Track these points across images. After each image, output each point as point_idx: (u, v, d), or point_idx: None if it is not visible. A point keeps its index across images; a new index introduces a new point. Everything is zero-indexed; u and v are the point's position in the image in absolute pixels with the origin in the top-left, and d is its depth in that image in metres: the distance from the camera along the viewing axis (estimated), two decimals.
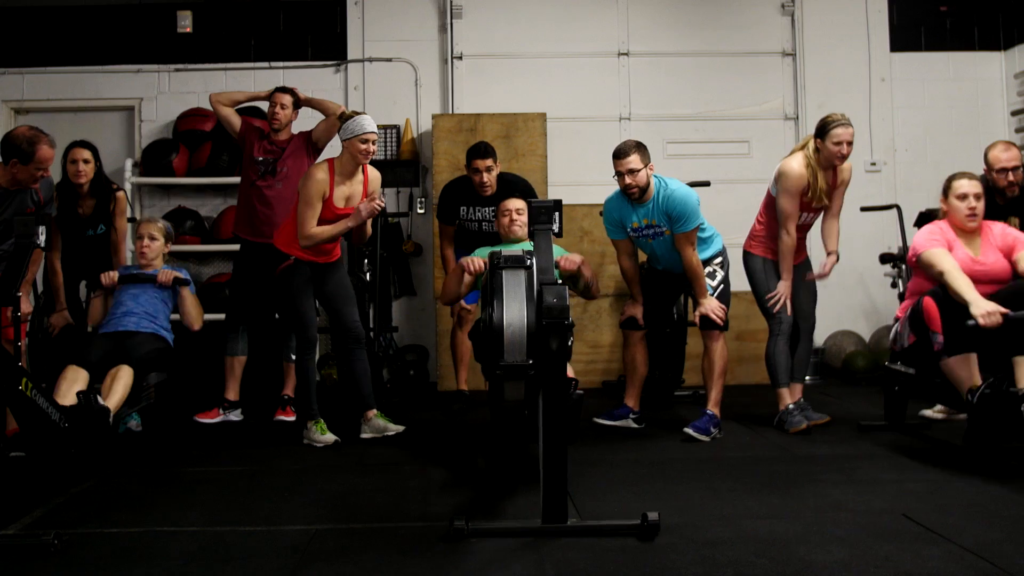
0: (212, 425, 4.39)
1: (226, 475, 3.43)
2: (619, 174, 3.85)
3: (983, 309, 3.24)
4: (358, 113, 3.84)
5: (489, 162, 4.48)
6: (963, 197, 3.64)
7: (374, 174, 4.02)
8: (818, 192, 3.99)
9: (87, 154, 4.30)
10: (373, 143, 3.81)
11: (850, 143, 3.92)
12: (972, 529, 2.57)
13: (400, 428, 4.02)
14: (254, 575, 2.35)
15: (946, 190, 3.73)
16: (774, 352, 4.11)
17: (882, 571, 2.27)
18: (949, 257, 3.51)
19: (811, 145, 3.99)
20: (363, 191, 3.95)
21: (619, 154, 3.84)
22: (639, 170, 3.81)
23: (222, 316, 4.70)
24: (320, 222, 3.83)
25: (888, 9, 6.16)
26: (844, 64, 6.12)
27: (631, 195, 3.87)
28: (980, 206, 3.63)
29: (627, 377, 4.18)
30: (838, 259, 4.20)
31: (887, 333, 5.75)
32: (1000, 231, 3.69)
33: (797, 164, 3.97)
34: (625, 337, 4.14)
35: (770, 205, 4.13)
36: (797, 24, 6.13)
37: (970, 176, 3.69)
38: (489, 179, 4.50)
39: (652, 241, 3.99)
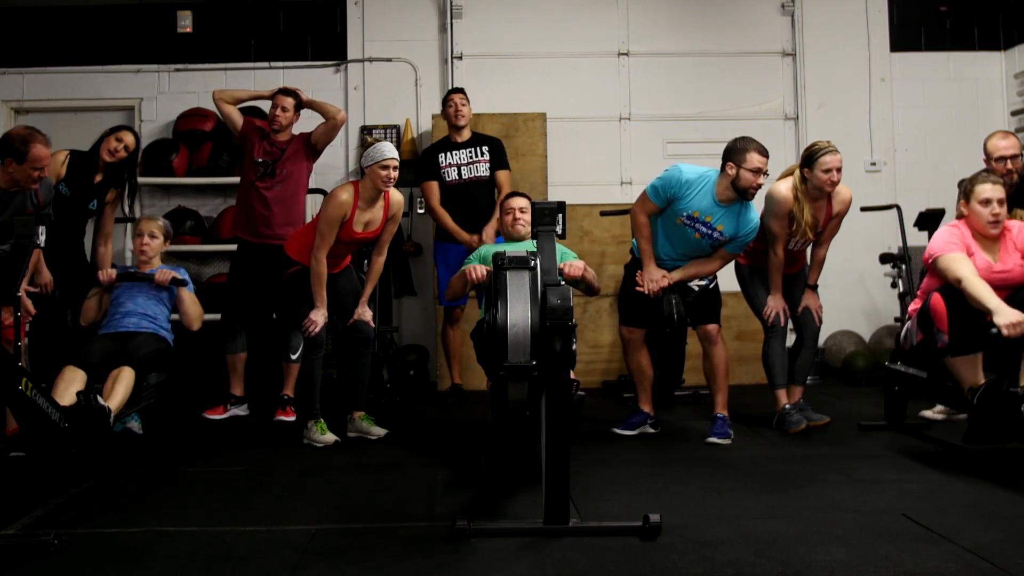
0: (214, 423, 4.41)
1: (226, 475, 3.43)
2: (755, 171, 3.70)
3: (1008, 319, 3.07)
4: (378, 140, 3.87)
5: (462, 96, 5.07)
6: (986, 203, 3.43)
7: (396, 198, 4.02)
8: (802, 226, 3.94)
9: (131, 140, 4.33)
10: (394, 168, 3.83)
11: (839, 169, 3.86)
12: (972, 529, 2.57)
13: (383, 432, 4.02)
14: (254, 575, 2.35)
15: (968, 193, 3.50)
16: (769, 353, 4.11)
17: (882, 571, 2.27)
18: (967, 263, 3.34)
19: (797, 175, 3.96)
20: (383, 216, 3.98)
21: (765, 152, 3.73)
22: (767, 175, 3.75)
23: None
24: (337, 242, 3.88)
25: (888, 9, 6.15)
26: (844, 64, 6.11)
27: (749, 195, 3.75)
28: (1003, 211, 3.44)
29: (636, 383, 4.10)
30: (816, 288, 4.19)
31: (887, 333, 5.77)
32: (1019, 231, 3.51)
33: (784, 187, 3.97)
34: (626, 344, 4.08)
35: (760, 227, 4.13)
36: (797, 24, 6.12)
37: (993, 180, 3.49)
38: (464, 111, 5.02)
39: (699, 237, 3.85)
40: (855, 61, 6.13)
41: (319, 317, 3.89)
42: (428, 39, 6.05)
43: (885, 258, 5.17)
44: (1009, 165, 4.04)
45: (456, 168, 4.95)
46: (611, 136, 6.05)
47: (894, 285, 5.11)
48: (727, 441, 3.84)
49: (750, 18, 6.14)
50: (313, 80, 5.96)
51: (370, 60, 6.02)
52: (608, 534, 2.57)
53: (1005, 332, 3.06)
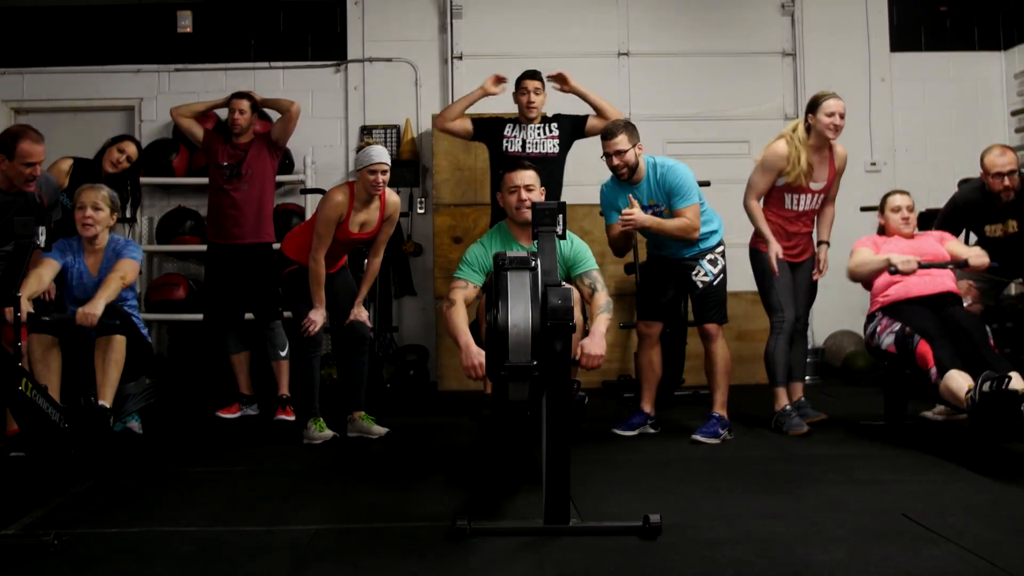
0: (217, 423, 4.43)
1: (226, 475, 3.43)
2: (607, 155, 3.84)
3: (901, 258, 3.76)
4: (371, 143, 3.84)
5: (537, 84, 4.44)
6: (896, 209, 4.03)
7: (392, 199, 4.02)
8: (797, 171, 3.93)
9: (133, 151, 4.38)
10: (383, 173, 3.81)
11: (843, 115, 3.91)
12: (972, 529, 2.57)
13: (383, 431, 4.02)
14: (254, 575, 2.35)
15: (882, 207, 4.11)
16: (774, 350, 4.09)
17: (882, 571, 2.27)
18: (866, 251, 3.96)
19: (800, 127, 3.98)
20: (379, 216, 3.98)
21: (607, 135, 3.84)
22: (627, 150, 3.80)
23: None
24: (334, 243, 3.89)
25: (888, 9, 6.16)
26: (844, 64, 6.12)
27: (620, 175, 3.86)
28: (912, 216, 4.03)
29: (642, 380, 4.07)
30: (828, 246, 4.19)
31: None
32: (936, 232, 4.11)
33: (780, 144, 4.00)
34: (641, 339, 4.06)
35: (768, 198, 4.11)
36: (797, 24, 6.12)
37: (902, 192, 4.10)
38: (536, 100, 4.42)
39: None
40: (855, 61, 6.13)
41: (318, 317, 3.90)
42: (428, 39, 6.06)
43: None
44: (1007, 181, 4.04)
45: (521, 141, 4.44)
46: None
47: None
48: (714, 441, 3.81)
49: (750, 18, 6.14)
50: (313, 80, 5.97)
51: (370, 60, 6.02)
52: (608, 534, 2.56)
53: (900, 267, 3.72)
